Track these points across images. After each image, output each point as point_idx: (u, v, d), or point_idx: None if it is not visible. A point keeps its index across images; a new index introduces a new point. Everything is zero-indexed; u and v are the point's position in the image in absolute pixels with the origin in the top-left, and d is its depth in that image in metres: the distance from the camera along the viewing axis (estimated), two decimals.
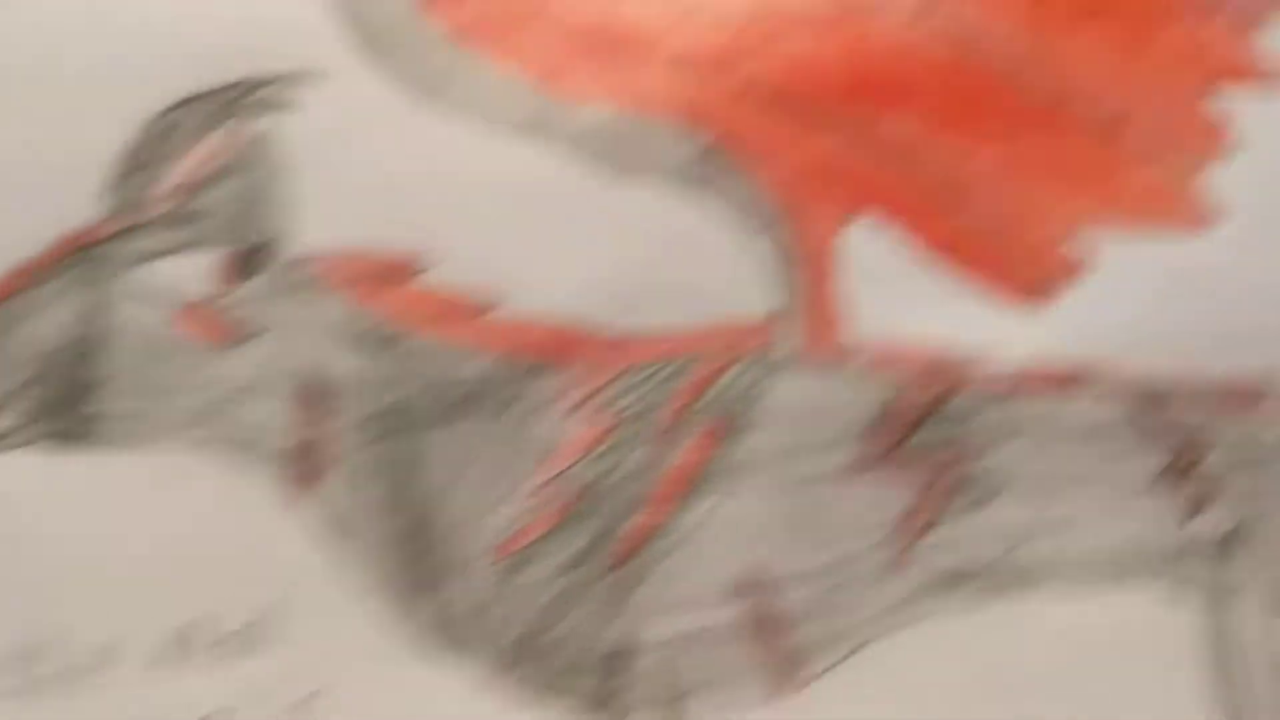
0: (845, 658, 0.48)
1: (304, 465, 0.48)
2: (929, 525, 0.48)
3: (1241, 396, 0.49)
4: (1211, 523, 0.48)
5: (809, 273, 0.49)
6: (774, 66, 0.49)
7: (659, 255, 0.49)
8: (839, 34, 0.49)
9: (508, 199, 0.49)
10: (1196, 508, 0.48)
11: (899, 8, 0.48)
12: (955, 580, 0.48)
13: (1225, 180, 0.49)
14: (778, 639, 0.48)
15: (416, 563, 0.48)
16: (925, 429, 0.49)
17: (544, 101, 0.49)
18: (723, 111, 0.49)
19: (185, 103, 0.49)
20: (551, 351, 0.49)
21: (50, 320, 0.49)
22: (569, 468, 0.48)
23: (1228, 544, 0.48)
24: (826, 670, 0.48)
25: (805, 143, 0.49)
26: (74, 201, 0.49)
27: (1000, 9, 0.49)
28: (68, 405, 0.48)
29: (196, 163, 0.49)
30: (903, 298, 0.49)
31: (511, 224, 0.49)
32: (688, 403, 0.49)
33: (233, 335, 0.49)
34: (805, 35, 0.49)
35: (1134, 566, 0.48)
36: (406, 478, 0.48)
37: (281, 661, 0.48)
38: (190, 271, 0.49)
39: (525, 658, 0.48)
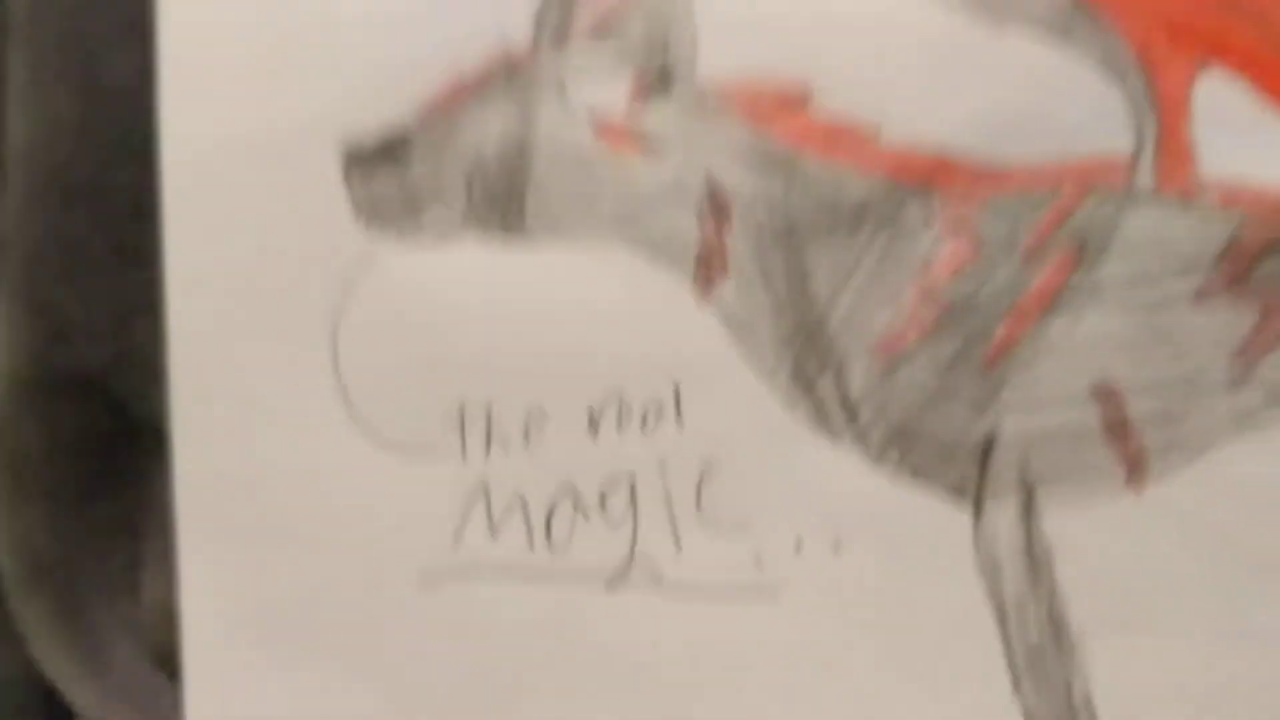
0: (1190, 460, 0.53)
1: (707, 267, 0.54)
2: (1269, 347, 0.53)
3: None
4: None
5: (1164, 117, 0.54)
6: None
7: (1027, 97, 0.54)
8: None
9: (893, 40, 0.54)
10: None
11: None
12: None
13: None
14: (1128, 441, 0.53)
15: (807, 357, 0.54)
16: (1268, 261, 0.53)
17: None
18: None
19: None
20: (928, 177, 0.54)
21: (486, 129, 0.55)
22: (941, 281, 0.54)
23: None
24: (1172, 471, 0.53)
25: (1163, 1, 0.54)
26: (510, 19, 0.55)
27: None
28: (501, 205, 0.55)
29: None
30: (1250, 144, 0.54)
31: (896, 62, 0.54)
32: (1050, 229, 0.54)
33: (647, 149, 0.55)
34: None
35: None
36: (798, 283, 0.54)
37: (681, 437, 0.54)
38: (610, 92, 0.55)
39: (902, 443, 0.54)
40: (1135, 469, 0.53)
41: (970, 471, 0.54)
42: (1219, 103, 0.54)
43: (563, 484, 0.54)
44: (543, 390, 0.54)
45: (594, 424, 0.54)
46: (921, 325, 0.54)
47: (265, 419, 0.54)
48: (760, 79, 0.55)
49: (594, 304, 0.54)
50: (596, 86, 0.55)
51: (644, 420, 0.54)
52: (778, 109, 0.55)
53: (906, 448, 0.54)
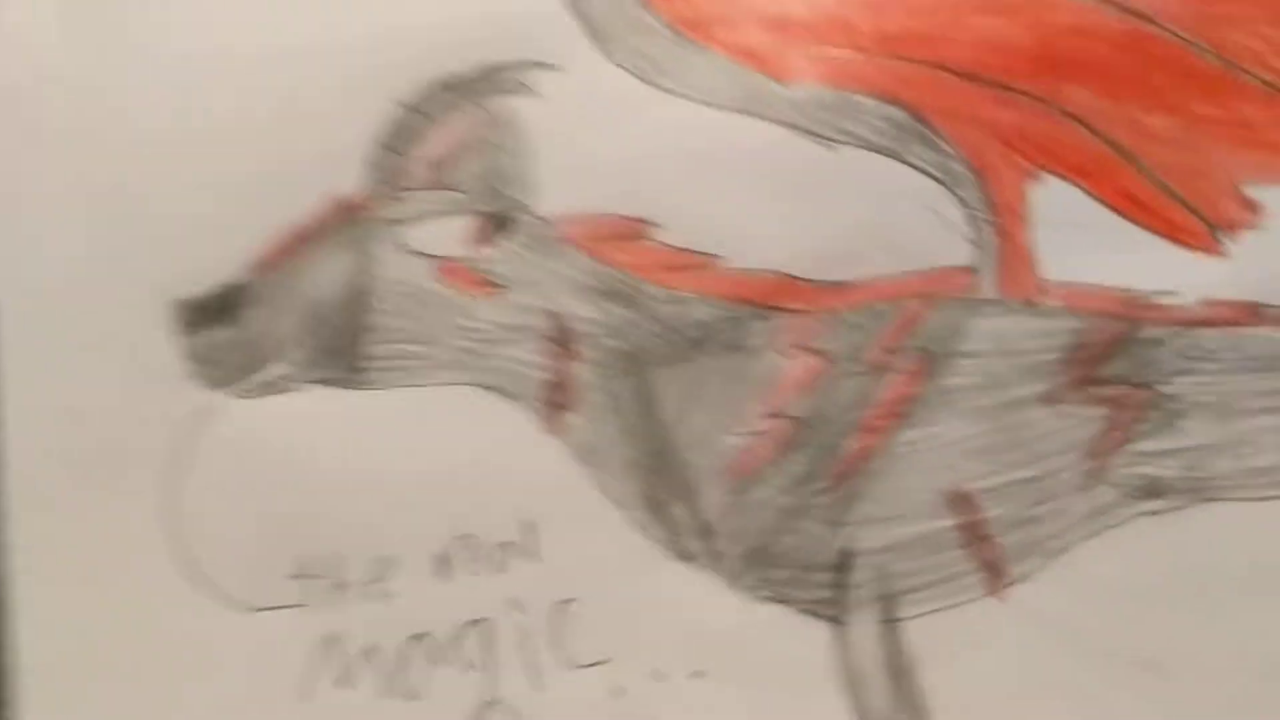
0: (1048, 562, 0.53)
1: (555, 400, 0.54)
2: (1122, 444, 0.53)
3: None
4: None
5: (1003, 225, 0.54)
6: (965, 45, 0.54)
7: (866, 214, 0.54)
8: (1024, 14, 0.54)
9: (729, 168, 0.54)
10: None
11: None
12: (1145, 493, 0.53)
13: None
14: (985, 547, 0.53)
15: (656, 484, 0.53)
16: (1114, 359, 0.54)
17: (755, 81, 0.55)
18: (920, 86, 0.54)
19: (439, 86, 0.55)
20: (770, 297, 0.54)
21: (325, 277, 0.55)
22: (788, 400, 0.54)
23: None
24: (1031, 574, 0.53)
25: (994, 111, 0.54)
26: (342, 171, 0.55)
27: None
28: (343, 351, 0.54)
29: (449, 139, 0.55)
30: (1089, 247, 0.54)
31: (733, 190, 0.54)
32: (896, 341, 0.54)
33: (488, 288, 0.55)
34: (993, 16, 0.54)
35: None
36: (646, 409, 0.54)
37: (536, 574, 0.53)
38: (449, 234, 0.55)
39: (759, 564, 0.53)
40: (994, 574, 0.53)
41: (829, 587, 0.53)
42: (1057, 208, 0.54)
43: (415, 630, 0.53)
44: (391, 536, 0.53)
45: (445, 567, 0.53)
46: (771, 445, 0.54)
47: (104, 577, 0.53)
48: (599, 214, 0.55)
49: (441, 445, 0.54)
50: (435, 230, 0.55)
51: (497, 560, 0.53)
52: (617, 242, 0.55)
53: (764, 569, 0.53)
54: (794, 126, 0.54)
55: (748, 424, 0.54)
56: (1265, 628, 0.52)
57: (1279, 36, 0.54)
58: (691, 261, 0.54)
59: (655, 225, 0.54)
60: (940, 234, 0.54)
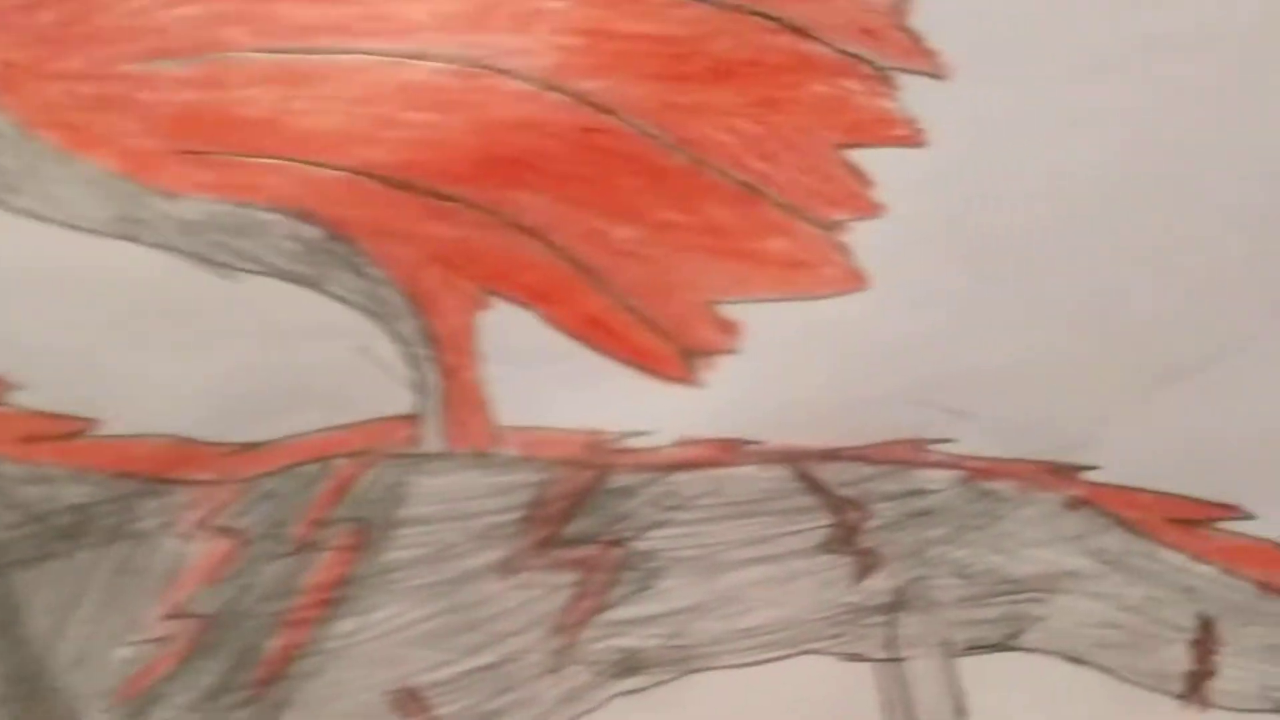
0: None
1: None
2: (594, 613, 0.47)
3: (898, 456, 0.48)
4: (881, 581, 0.48)
5: (446, 362, 0.46)
6: (393, 145, 0.45)
7: (278, 358, 0.45)
8: (459, 109, 0.45)
9: (100, 306, 0.43)
10: (865, 568, 0.48)
11: (522, 78, 0.45)
12: (623, 668, 0.47)
13: (867, 241, 0.47)
14: None
15: (29, 712, 0.43)
16: (580, 515, 0.47)
17: (136, 195, 0.44)
18: (338, 198, 0.45)
19: None
20: (165, 468, 0.44)
21: None
22: (194, 594, 0.44)
23: (899, 600, 0.48)
24: None
25: (431, 226, 0.46)
26: None
27: (631, 75, 0.46)
28: None
29: None
30: (547, 381, 0.47)
31: (107, 333, 0.43)
32: (324, 511, 0.45)
33: None
34: (422, 112, 0.45)
35: (808, 633, 0.48)
36: (10, 622, 0.43)
37: None
38: None
39: None
40: None
41: None
42: (512, 338, 0.47)
43: None
44: None
45: None
46: (174, 653, 0.44)
47: None
48: None
49: None
50: None
51: None
52: None
53: None
54: (183, 251, 0.43)
55: (143, 630, 0.43)
56: None
57: (754, 130, 0.47)
58: (58, 428, 0.43)
59: (10, 384, 0.43)
60: (373, 378, 0.46)
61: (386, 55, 0.44)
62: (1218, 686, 0.49)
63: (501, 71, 0.45)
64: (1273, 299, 0.47)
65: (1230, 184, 0.46)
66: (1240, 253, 0.46)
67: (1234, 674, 0.49)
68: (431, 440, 0.46)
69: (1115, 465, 0.49)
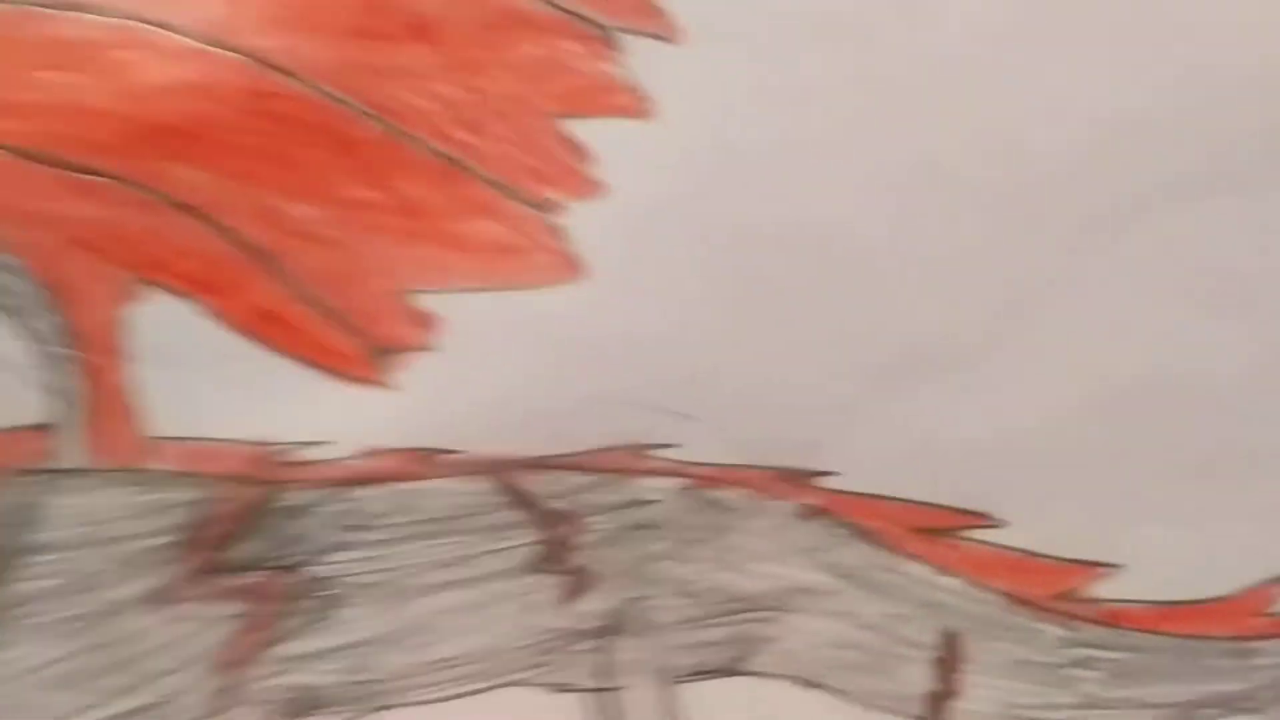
0: None
1: None
2: (262, 648, 0.43)
3: (615, 464, 0.45)
4: (594, 603, 0.46)
5: (90, 363, 0.42)
6: (27, 112, 0.40)
7: None
8: (111, 70, 0.40)
9: None
10: (576, 589, 0.46)
11: (182, 33, 0.40)
12: (304, 706, 0.44)
13: (585, 225, 0.43)
14: None
15: None
16: (246, 538, 0.43)
17: None
18: None
19: None
20: None
21: None
22: None
23: (614, 623, 0.46)
24: None
25: (72, 205, 0.41)
26: None
27: (314, 31, 0.41)
28: None
29: None
30: (209, 385, 0.43)
31: None
32: None
33: None
34: (67, 72, 0.40)
35: (511, 663, 0.45)
36: None
37: None
38: None
39: None
40: None
41: None
42: (169, 335, 0.42)
43: None
44: None
45: None
46: None
47: None
48: None
49: None
50: None
51: None
52: None
53: None
54: None
55: None
56: None
57: (457, 96, 0.42)
58: None
59: None
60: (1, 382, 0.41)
61: (14, 3, 0.39)
62: (960, 707, 0.47)
63: (157, 25, 0.40)
64: (1018, 294, 0.44)
65: (973, 166, 0.42)
66: (985, 243, 0.43)
67: (977, 693, 0.47)
68: (70, 454, 0.42)
69: (854, 472, 0.46)
